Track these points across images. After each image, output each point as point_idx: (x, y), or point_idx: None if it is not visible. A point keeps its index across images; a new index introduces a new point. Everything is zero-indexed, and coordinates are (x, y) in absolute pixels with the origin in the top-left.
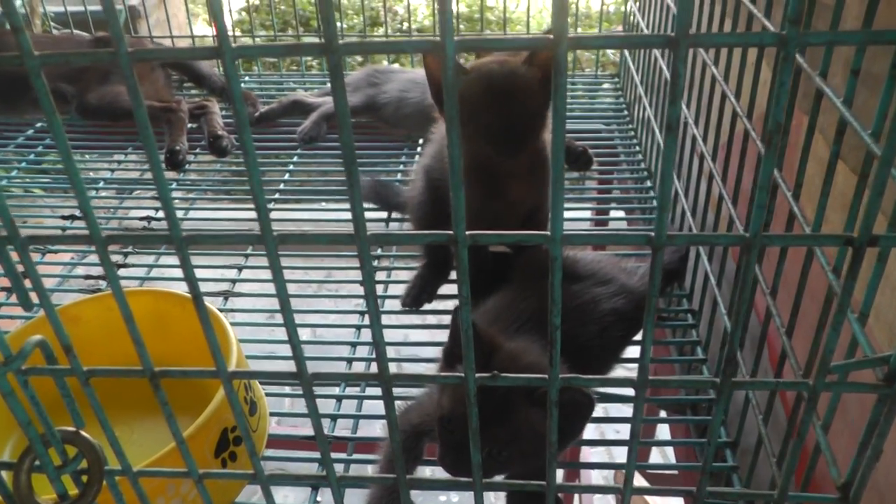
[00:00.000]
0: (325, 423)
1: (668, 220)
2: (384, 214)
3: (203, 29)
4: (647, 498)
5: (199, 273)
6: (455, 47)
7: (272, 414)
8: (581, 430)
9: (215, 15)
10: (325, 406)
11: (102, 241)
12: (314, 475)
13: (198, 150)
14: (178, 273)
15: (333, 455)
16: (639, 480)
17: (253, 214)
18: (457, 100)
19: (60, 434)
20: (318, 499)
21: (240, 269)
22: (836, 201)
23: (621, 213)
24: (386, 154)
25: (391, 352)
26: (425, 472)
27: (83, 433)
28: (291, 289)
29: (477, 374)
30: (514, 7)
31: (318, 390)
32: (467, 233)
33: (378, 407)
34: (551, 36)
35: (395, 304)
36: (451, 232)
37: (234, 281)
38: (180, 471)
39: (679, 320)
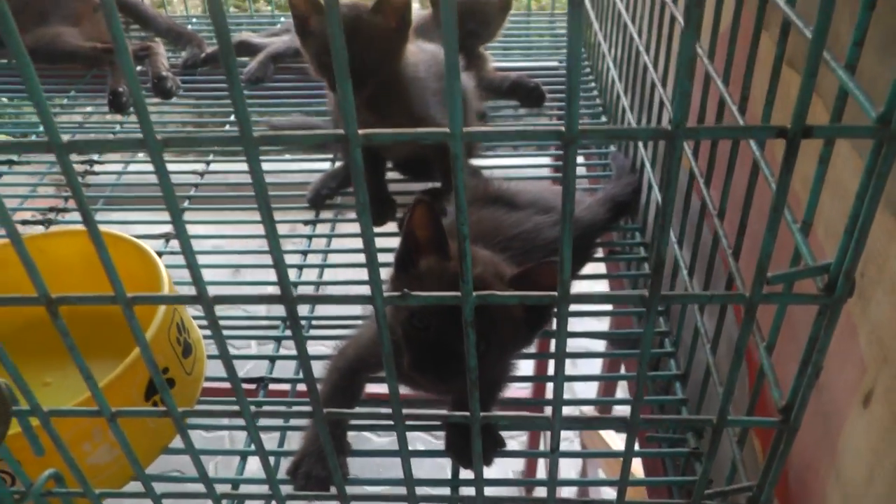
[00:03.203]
0: (264, 364)
1: (577, 112)
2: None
3: None
4: (607, 440)
5: (137, 216)
6: None
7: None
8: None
9: None
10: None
11: (62, 147)
12: (230, 410)
13: (143, 92)
14: (120, 217)
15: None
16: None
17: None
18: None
19: None
20: (285, 447)
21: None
22: (784, 113)
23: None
24: (319, 93)
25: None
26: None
27: None
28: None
29: (386, 294)
30: None
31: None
32: (360, 132)
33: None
34: None
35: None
36: (342, 131)
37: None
38: (92, 409)
39: (632, 253)
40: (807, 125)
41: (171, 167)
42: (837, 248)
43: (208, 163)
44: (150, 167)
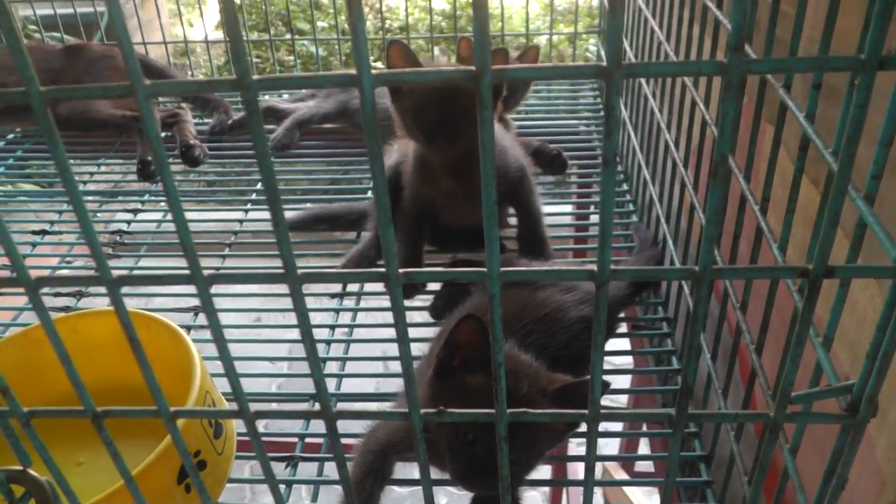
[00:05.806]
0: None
1: (609, 253)
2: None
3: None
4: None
5: (165, 289)
6: (372, 81)
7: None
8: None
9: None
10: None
11: (114, 282)
12: None
13: (170, 160)
14: (151, 289)
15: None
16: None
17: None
18: (376, 129)
19: (6, 473)
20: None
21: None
22: (801, 214)
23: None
24: (358, 160)
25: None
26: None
27: (30, 471)
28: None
29: (423, 411)
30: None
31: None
32: (401, 270)
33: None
34: (474, 69)
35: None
36: (383, 269)
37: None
38: None
39: (655, 328)
40: (829, 266)
41: (211, 215)
42: (860, 371)
43: (247, 211)
44: (191, 216)
